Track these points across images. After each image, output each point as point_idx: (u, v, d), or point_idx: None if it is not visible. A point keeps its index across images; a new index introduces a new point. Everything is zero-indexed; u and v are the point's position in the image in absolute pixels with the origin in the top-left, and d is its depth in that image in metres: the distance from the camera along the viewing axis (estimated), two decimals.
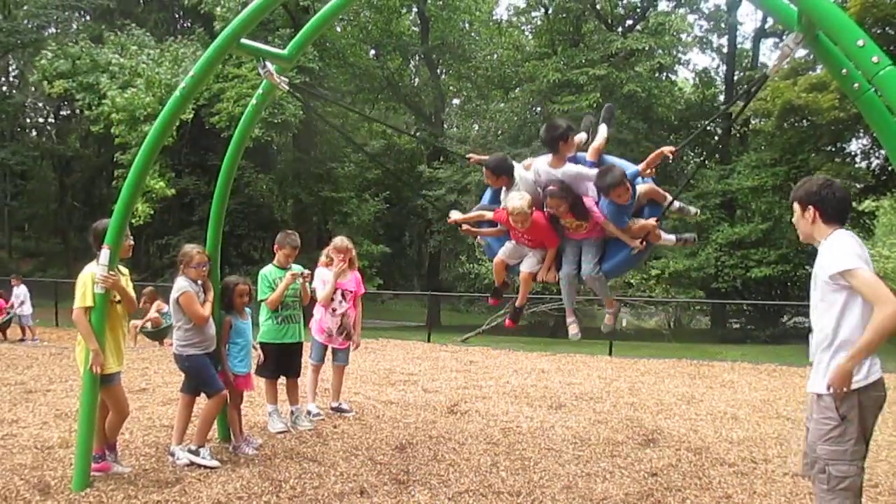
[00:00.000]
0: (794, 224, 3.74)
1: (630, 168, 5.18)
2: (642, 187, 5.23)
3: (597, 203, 5.13)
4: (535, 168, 5.35)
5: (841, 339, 3.39)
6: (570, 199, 5.07)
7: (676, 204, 5.47)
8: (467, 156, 6.53)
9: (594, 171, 5.13)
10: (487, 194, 6.10)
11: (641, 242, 5.09)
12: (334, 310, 7.22)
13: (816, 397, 3.50)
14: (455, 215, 5.93)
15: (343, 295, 7.25)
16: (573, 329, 5.58)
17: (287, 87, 5.43)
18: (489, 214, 5.65)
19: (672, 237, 5.48)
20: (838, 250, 3.38)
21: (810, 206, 3.55)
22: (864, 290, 3.29)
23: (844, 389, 3.33)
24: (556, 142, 5.15)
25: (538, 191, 5.29)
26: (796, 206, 3.64)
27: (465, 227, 5.89)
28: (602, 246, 5.31)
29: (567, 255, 5.38)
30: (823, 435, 3.41)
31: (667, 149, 5.03)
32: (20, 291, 16.08)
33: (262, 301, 6.68)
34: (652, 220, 5.12)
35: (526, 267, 5.58)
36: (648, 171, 5.20)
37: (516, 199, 5.18)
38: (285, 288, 6.63)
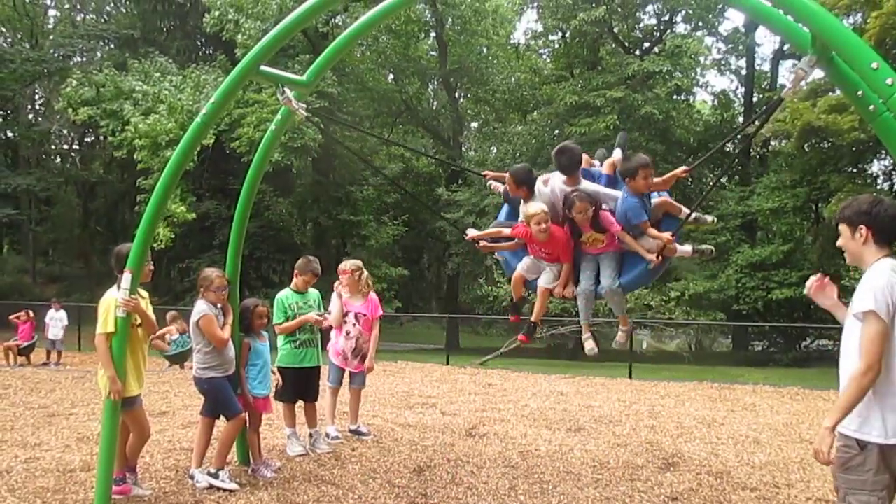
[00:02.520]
0: (841, 247, 3.47)
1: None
2: (657, 200, 5.39)
3: (613, 215, 5.24)
4: (551, 185, 5.46)
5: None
6: (595, 204, 5.15)
7: (692, 215, 5.56)
8: (483, 173, 6.63)
9: (611, 191, 5.32)
10: (504, 211, 6.25)
11: (658, 257, 5.11)
12: (348, 333, 7.25)
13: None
14: (472, 232, 5.99)
15: (356, 317, 7.26)
16: (589, 344, 5.51)
17: (304, 114, 5.49)
18: (507, 230, 5.70)
19: (688, 248, 5.52)
20: (869, 286, 3.20)
21: (862, 227, 3.32)
22: (862, 340, 3.16)
23: (825, 452, 3.19)
24: (575, 167, 5.34)
25: (555, 206, 5.39)
26: (844, 227, 3.42)
27: (482, 243, 5.90)
28: (619, 260, 5.35)
29: (584, 271, 5.42)
30: (843, 463, 3.26)
31: (681, 170, 5.38)
32: (60, 315, 16.30)
33: (275, 326, 6.71)
34: (667, 234, 5.13)
35: (543, 282, 5.61)
36: (664, 186, 5.36)
37: (536, 205, 5.30)
38: (299, 324, 6.67)
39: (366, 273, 7.45)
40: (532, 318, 5.91)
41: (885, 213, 3.31)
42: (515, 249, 5.83)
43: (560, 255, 5.45)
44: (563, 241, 5.37)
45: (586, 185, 5.36)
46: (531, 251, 5.62)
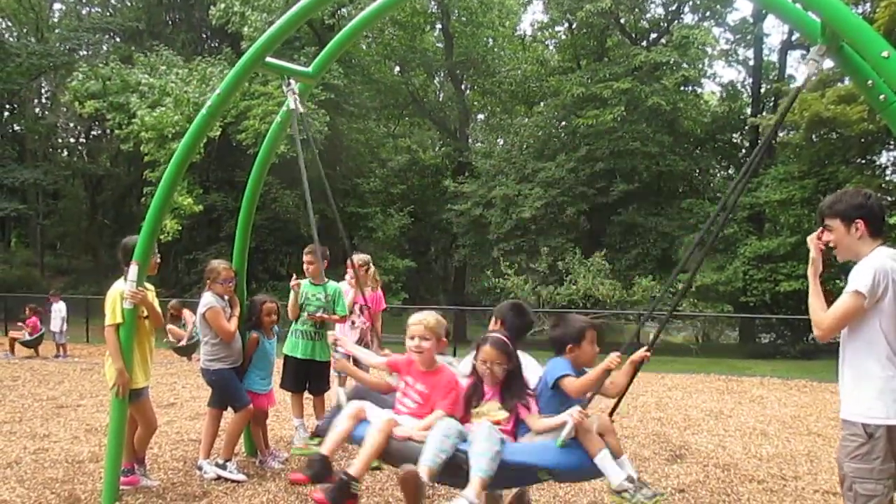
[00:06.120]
0: (832, 243, 3.43)
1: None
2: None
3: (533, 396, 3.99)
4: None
5: (864, 366, 3.37)
6: (511, 362, 3.98)
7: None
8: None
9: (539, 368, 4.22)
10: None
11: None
12: (353, 323, 7.28)
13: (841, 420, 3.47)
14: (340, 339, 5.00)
15: (360, 309, 7.29)
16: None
17: (301, 110, 5.25)
18: (378, 358, 4.54)
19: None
20: (870, 265, 3.23)
21: (858, 220, 3.31)
22: (837, 306, 3.30)
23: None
24: (520, 331, 4.39)
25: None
26: (837, 222, 3.37)
27: (339, 359, 4.87)
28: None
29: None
30: (850, 452, 3.32)
31: (640, 354, 4.06)
32: (59, 307, 16.36)
33: None
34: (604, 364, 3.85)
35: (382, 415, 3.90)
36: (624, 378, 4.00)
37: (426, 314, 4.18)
38: (294, 300, 6.57)
39: (373, 268, 7.49)
40: (350, 470, 3.84)
41: (877, 204, 3.39)
42: (382, 391, 4.40)
43: (434, 406, 3.96)
44: (449, 384, 4.03)
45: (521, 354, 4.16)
46: (398, 398, 4.17)
